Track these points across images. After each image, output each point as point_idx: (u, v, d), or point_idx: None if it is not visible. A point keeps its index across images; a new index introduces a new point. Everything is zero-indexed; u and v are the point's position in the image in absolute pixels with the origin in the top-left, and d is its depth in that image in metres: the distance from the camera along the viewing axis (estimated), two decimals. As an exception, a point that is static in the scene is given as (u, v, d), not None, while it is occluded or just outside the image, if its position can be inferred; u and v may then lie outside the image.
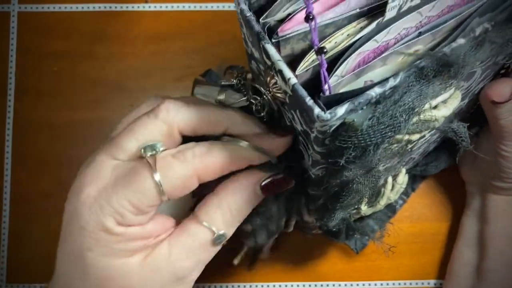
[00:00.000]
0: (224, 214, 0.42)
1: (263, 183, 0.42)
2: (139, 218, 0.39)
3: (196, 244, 0.41)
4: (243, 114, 0.42)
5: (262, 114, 0.41)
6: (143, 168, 0.38)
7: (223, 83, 0.44)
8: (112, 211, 0.38)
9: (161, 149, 0.40)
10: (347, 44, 0.34)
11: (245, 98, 0.42)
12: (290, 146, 0.43)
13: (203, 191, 0.44)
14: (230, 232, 0.43)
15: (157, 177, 0.38)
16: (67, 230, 0.40)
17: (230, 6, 0.71)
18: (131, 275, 0.40)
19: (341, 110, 0.31)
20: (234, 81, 0.43)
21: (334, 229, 0.55)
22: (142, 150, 0.39)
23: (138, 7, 0.71)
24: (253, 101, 0.41)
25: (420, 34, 0.36)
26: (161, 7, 0.71)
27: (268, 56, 0.33)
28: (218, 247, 0.43)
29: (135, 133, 0.40)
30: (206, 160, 0.39)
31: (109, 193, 0.38)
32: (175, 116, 0.40)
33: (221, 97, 0.43)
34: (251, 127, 0.42)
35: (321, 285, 0.65)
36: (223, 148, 0.40)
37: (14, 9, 0.71)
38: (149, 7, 0.71)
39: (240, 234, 0.46)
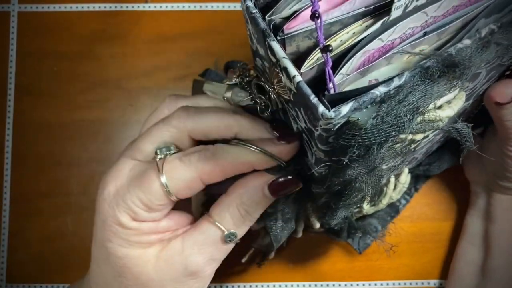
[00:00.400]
0: (233, 214, 0.44)
1: (272, 184, 0.44)
2: (152, 215, 0.43)
3: (207, 241, 0.44)
4: (252, 119, 0.44)
5: (266, 114, 0.41)
6: (151, 170, 0.42)
7: (227, 83, 0.44)
8: (126, 208, 0.42)
9: (173, 152, 0.43)
10: (352, 43, 0.34)
11: (250, 97, 0.42)
12: (298, 150, 0.43)
13: (218, 190, 0.45)
14: (240, 231, 0.45)
15: (163, 179, 0.41)
16: (96, 222, 0.44)
17: (230, 6, 0.71)
18: (147, 265, 0.43)
19: (345, 108, 0.31)
20: (237, 80, 0.43)
21: (336, 228, 0.55)
22: (157, 152, 0.43)
23: (138, 7, 0.71)
24: (258, 100, 0.41)
25: (425, 34, 0.36)
26: (161, 7, 0.71)
27: (273, 53, 0.33)
28: (231, 245, 0.45)
29: (151, 137, 0.44)
30: (210, 164, 0.42)
31: (124, 191, 0.42)
32: (185, 123, 0.43)
33: (228, 94, 0.44)
34: (260, 132, 0.43)
35: (322, 285, 0.65)
36: (228, 152, 0.42)
37: (14, 9, 0.71)
38: (149, 7, 0.71)
39: (247, 235, 0.47)
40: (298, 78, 0.32)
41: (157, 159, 0.42)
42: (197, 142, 0.45)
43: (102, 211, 0.43)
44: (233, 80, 0.44)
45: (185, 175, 0.42)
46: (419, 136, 0.36)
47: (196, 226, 0.44)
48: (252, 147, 0.42)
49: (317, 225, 0.53)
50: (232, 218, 0.44)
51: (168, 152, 0.43)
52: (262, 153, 0.42)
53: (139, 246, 0.43)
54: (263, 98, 0.41)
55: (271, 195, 0.44)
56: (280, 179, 0.44)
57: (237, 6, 0.71)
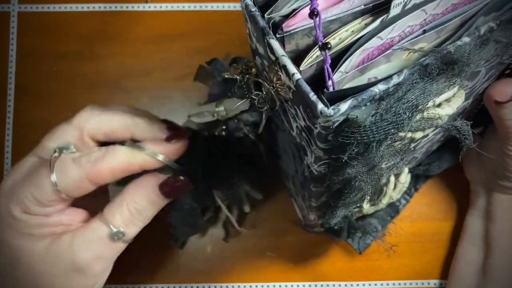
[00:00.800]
0: (123, 213, 0.45)
1: (162, 186, 0.46)
2: (44, 210, 0.43)
3: (95, 238, 0.44)
4: (149, 120, 0.46)
5: (265, 108, 0.41)
6: (44, 167, 0.43)
7: (226, 76, 0.45)
8: (18, 200, 0.43)
9: (70, 151, 0.45)
10: (351, 41, 0.34)
11: (244, 100, 0.43)
12: (188, 151, 0.47)
13: None
14: (130, 230, 0.46)
15: (52, 177, 0.42)
16: None
17: (230, 6, 0.71)
18: (36, 257, 0.44)
19: (344, 106, 0.31)
20: (238, 77, 0.44)
21: (335, 227, 0.55)
22: (55, 150, 0.44)
23: (138, 7, 0.71)
24: (255, 97, 0.41)
25: (424, 32, 0.36)
26: (161, 7, 0.71)
27: (273, 51, 0.33)
28: (120, 244, 0.46)
29: (53, 135, 0.46)
30: (98, 165, 0.43)
31: (19, 185, 0.43)
32: (85, 123, 0.46)
33: (220, 108, 0.45)
34: (154, 133, 0.46)
35: (321, 285, 0.65)
36: (116, 153, 0.44)
37: (14, 9, 0.71)
38: (149, 7, 0.71)
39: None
40: (297, 76, 0.32)
41: (52, 157, 0.43)
42: (102, 144, 0.47)
43: None
44: (234, 76, 0.45)
45: (73, 174, 0.43)
46: (418, 134, 0.36)
47: (87, 222, 0.45)
48: (140, 148, 0.45)
49: (248, 209, 0.54)
50: (121, 217, 0.45)
51: (64, 152, 0.44)
52: (149, 154, 0.45)
53: (30, 238, 0.43)
54: (260, 94, 0.41)
55: (163, 196, 0.46)
56: (170, 180, 0.46)
57: (237, 6, 0.71)
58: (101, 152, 0.44)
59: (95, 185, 0.44)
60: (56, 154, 0.44)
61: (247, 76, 0.43)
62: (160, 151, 0.45)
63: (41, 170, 0.43)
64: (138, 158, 0.45)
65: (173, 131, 0.46)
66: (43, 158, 0.45)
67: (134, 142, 0.46)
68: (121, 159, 0.44)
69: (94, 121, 0.46)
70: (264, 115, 0.43)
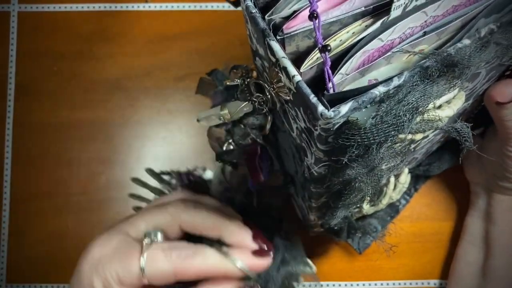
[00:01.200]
0: None
1: None
2: None
3: None
4: (239, 226, 0.48)
5: (264, 110, 0.41)
6: (135, 251, 0.45)
7: (228, 83, 0.45)
8: (102, 276, 0.44)
9: (160, 238, 0.47)
10: (352, 43, 0.34)
11: (247, 102, 0.43)
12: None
13: None
14: None
15: (142, 263, 0.44)
16: (73, 278, 0.47)
17: (230, 6, 0.71)
18: None
19: (344, 108, 0.31)
20: (238, 81, 0.44)
21: (335, 228, 0.55)
22: (146, 234, 0.47)
23: (138, 7, 0.71)
24: (255, 99, 0.41)
25: (425, 33, 0.36)
26: (161, 7, 0.71)
27: (273, 53, 0.33)
28: None
29: (146, 217, 0.48)
30: (187, 264, 0.45)
31: (106, 261, 0.45)
32: (180, 214, 0.48)
33: (225, 111, 0.45)
34: (242, 240, 0.47)
35: (321, 285, 0.65)
36: (206, 257, 0.45)
37: (14, 9, 0.71)
38: (149, 7, 0.71)
39: None
40: (298, 77, 0.32)
41: (144, 242, 0.46)
42: (185, 233, 0.49)
43: (82, 271, 0.45)
44: (235, 81, 0.45)
45: (162, 266, 0.44)
46: (418, 136, 0.36)
47: None
48: (227, 255, 0.46)
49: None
50: None
51: (155, 238, 0.47)
52: (237, 266, 0.46)
53: None
54: (261, 96, 0.41)
55: None
56: None
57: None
58: (190, 250, 0.45)
59: (178, 279, 0.46)
60: (147, 240, 0.46)
61: (248, 79, 0.43)
62: (246, 263, 0.46)
63: (131, 253, 0.45)
64: (225, 267, 0.46)
65: (261, 245, 0.47)
66: (132, 236, 0.47)
67: (222, 245, 0.47)
68: (209, 263, 0.45)
69: (189, 215, 0.48)
70: (269, 117, 0.43)
